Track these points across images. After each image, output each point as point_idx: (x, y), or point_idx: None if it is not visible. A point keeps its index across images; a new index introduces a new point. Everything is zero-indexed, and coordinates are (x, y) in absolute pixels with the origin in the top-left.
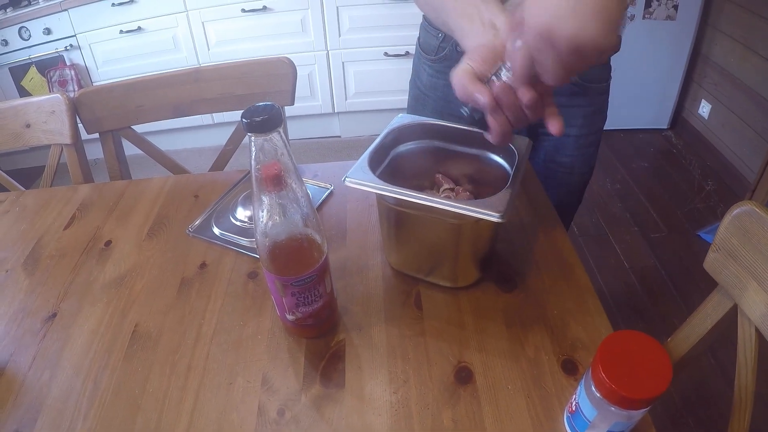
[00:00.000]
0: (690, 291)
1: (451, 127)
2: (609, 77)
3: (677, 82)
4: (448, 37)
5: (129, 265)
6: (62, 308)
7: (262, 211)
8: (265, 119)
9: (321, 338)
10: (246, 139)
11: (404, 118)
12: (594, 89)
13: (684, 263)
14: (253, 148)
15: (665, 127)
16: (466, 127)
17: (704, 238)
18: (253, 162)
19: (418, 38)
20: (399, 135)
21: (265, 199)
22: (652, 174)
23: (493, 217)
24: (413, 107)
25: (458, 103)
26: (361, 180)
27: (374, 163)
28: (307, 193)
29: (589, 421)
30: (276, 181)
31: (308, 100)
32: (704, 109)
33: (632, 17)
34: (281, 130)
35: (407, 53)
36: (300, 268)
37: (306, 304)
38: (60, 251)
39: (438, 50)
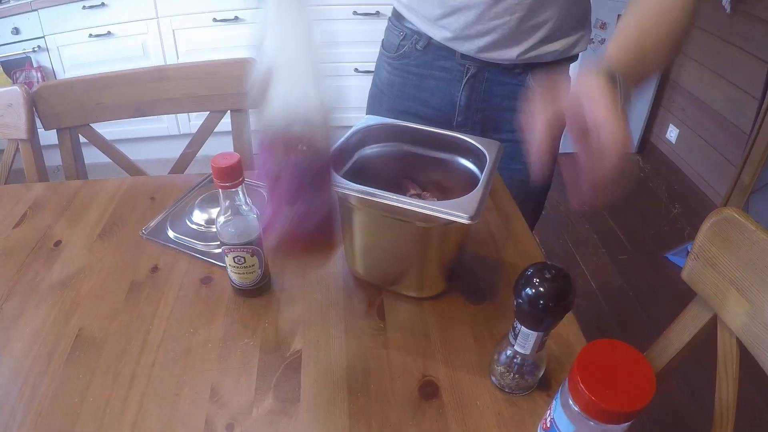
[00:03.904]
0: (658, 313)
1: (420, 129)
2: None
3: (645, 108)
4: (408, 36)
5: (77, 267)
6: (4, 309)
7: None
8: None
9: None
10: (207, 143)
11: (371, 119)
12: None
13: (651, 285)
14: None
15: (633, 151)
16: (435, 130)
17: (672, 259)
18: None
19: (382, 40)
20: (365, 136)
21: None
22: (620, 197)
23: (462, 218)
24: (371, 105)
25: (412, 100)
26: None
27: (337, 164)
28: None
29: None
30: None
31: None
32: (672, 133)
33: (603, 41)
34: None
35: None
36: None
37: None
38: (6, 250)
39: (398, 48)
